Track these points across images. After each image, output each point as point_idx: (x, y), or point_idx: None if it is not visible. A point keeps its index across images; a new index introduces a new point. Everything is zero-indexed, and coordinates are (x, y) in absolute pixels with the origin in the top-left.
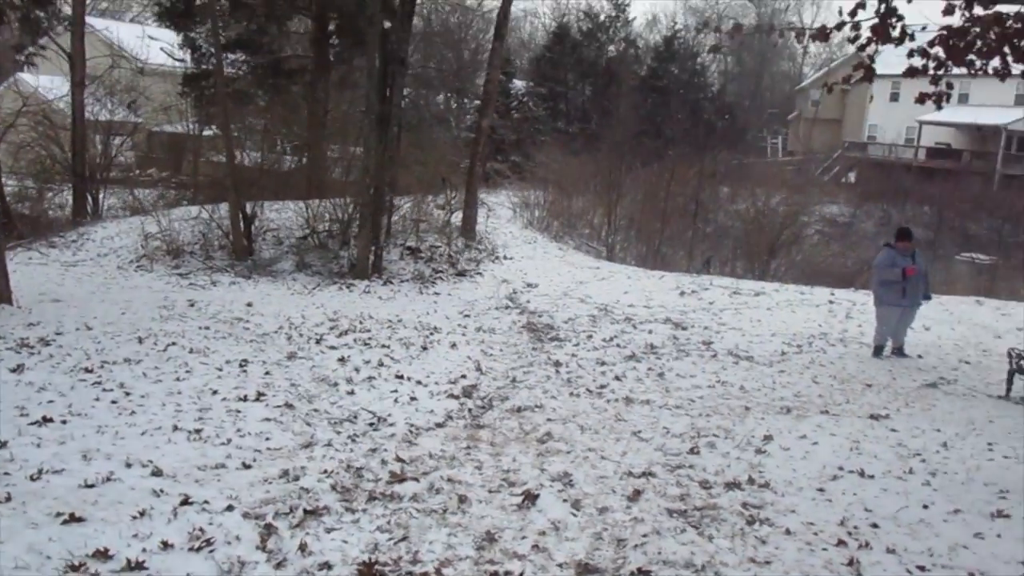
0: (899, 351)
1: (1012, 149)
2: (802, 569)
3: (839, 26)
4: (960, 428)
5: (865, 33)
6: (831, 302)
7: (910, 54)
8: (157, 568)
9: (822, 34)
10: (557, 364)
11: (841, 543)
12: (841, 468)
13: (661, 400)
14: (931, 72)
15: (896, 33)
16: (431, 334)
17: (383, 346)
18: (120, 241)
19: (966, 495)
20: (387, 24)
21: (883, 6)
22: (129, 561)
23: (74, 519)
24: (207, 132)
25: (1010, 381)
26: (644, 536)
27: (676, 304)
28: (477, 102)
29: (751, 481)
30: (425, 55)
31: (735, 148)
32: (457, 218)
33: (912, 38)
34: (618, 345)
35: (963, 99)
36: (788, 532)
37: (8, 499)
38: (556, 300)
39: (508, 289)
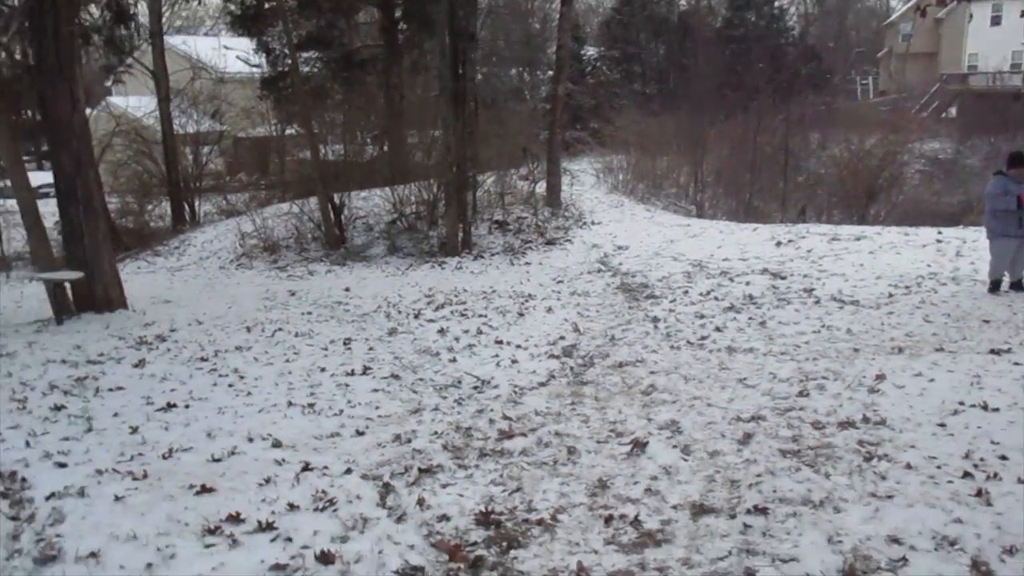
0: (1017, 285)
1: None
2: (927, 501)
3: None
4: None
5: None
6: (939, 241)
7: None
8: (286, 527)
9: None
10: (655, 320)
11: (967, 475)
12: (962, 403)
13: (765, 348)
14: None
15: None
16: (526, 301)
17: (480, 316)
18: (219, 243)
19: None
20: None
21: None
22: (260, 523)
23: (205, 490)
24: (289, 131)
25: None
26: (758, 476)
27: (773, 255)
28: (550, 72)
29: (866, 420)
30: (493, 31)
31: (823, 92)
32: (541, 188)
33: None
34: (716, 298)
35: None
36: (909, 467)
37: (145, 476)
38: (648, 260)
39: (599, 253)
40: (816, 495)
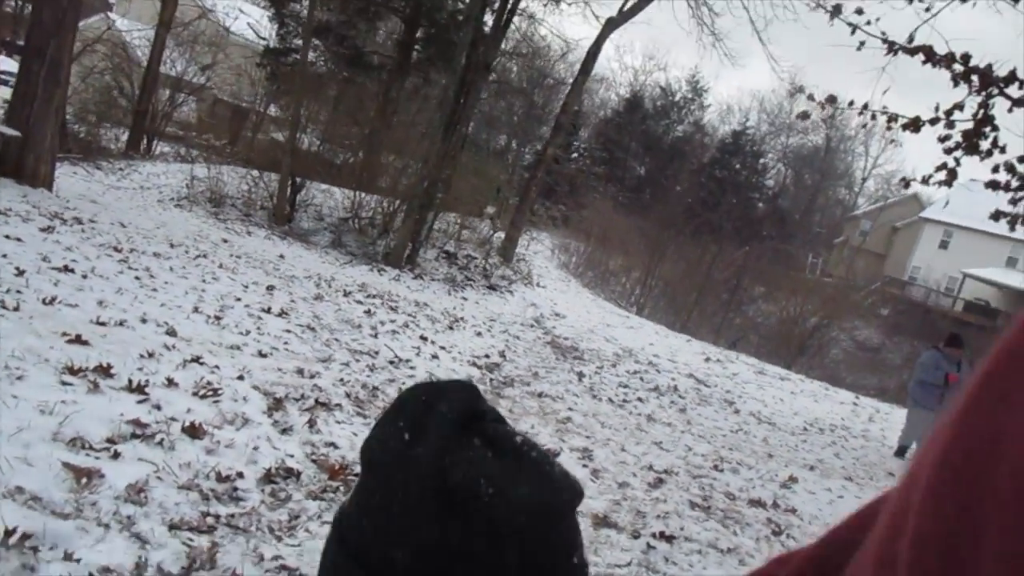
0: None
1: None
2: None
3: (933, 121)
4: None
5: (956, 137)
6: (855, 403)
7: (995, 169)
8: (158, 397)
9: (914, 124)
10: (580, 375)
11: None
12: None
13: (683, 427)
14: (1013, 191)
15: (987, 145)
16: (457, 321)
17: (409, 315)
18: (165, 180)
19: None
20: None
21: (981, 111)
22: (131, 383)
23: (79, 341)
24: (272, 110)
25: None
26: (666, 513)
27: (700, 366)
28: (538, 147)
29: (776, 505)
30: (496, 97)
31: (779, 253)
32: (499, 238)
33: (1003, 151)
34: (641, 379)
35: (1012, 263)
36: None
37: (17, 308)
38: (582, 333)
39: (536, 312)
40: (723, 544)
